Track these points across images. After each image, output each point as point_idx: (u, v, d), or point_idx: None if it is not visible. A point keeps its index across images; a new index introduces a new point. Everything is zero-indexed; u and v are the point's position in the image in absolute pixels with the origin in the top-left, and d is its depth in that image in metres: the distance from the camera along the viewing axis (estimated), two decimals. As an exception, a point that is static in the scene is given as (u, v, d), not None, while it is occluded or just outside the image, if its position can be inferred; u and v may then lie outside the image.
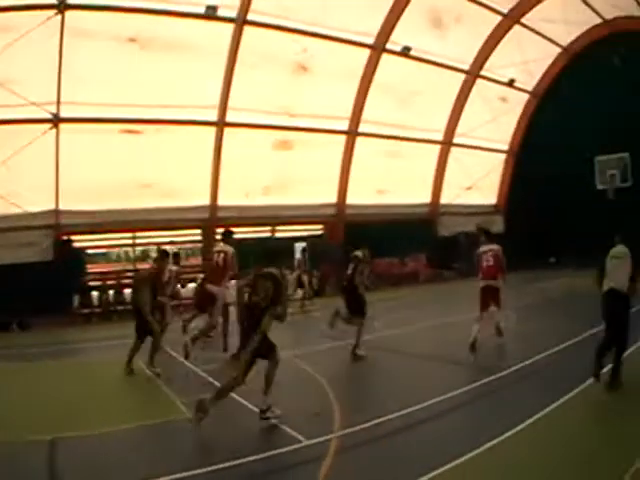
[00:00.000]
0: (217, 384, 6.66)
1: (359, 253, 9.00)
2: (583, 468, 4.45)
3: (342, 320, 8.69)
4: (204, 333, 8.74)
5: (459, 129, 23.80)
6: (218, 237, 10.44)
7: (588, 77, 23.72)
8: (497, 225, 26.23)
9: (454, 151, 24.26)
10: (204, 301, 8.95)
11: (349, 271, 8.64)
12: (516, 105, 26.02)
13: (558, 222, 23.22)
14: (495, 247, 9.01)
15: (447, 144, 23.87)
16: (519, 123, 26.96)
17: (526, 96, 26.36)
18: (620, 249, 6.39)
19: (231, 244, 8.71)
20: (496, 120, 24.60)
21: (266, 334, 5.61)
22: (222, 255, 8.69)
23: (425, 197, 24.19)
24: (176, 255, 10.74)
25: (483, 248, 9.08)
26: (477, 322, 8.47)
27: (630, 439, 4.87)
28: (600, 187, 22.92)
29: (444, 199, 24.47)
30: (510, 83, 24.76)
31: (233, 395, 6.07)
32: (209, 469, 4.73)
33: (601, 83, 23.00)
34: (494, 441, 4.96)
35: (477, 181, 25.53)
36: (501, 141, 26.73)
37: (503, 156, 27.38)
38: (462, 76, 22.88)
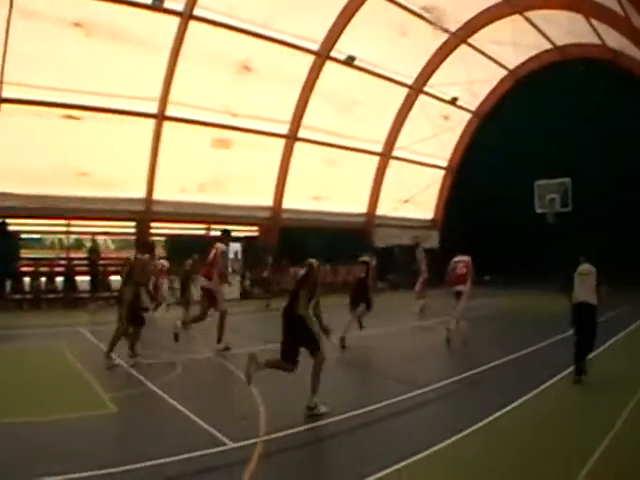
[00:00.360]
0: (144, 380, 7.98)
1: (367, 258, 11.95)
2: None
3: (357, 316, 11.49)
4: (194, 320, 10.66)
5: (399, 142, 27.88)
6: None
7: (533, 101, 28.20)
8: (432, 240, 30.33)
9: (393, 164, 28.33)
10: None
11: (362, 274, 11.49)
12: (458, 124, 30.60)
13: (495, 242, 26.94)
14: (466, 258, 12.00)
15: (386, 156, 27.83)
16: (460, 141, 31.62)
17: (468, 115, 31.02)
18: (586, 267, 8.39)
19: (225, 242, 10.87)
20: (437, 137, 28.92)
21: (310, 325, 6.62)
22: (214, 251, 10.74)
23: (361, 207, 27.99)
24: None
25: (456, 259, 12.11)
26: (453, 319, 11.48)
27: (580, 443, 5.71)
28: (539, 211, 26.95)
29: (380, 210, 28.39)
30: (453, 101, 29.14)
31: (166, 397, 7.18)
32: (124, 468, 5.08)
33: (545, 108, 27.49)
34: (423, 453, 5.50)
35: (414, 195, 29.66)
36: (441, 158, 31.27)
37: (442, 172, 31.95)
38: (405, 90, 26.95)
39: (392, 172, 28.26)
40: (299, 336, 6.64)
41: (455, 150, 31.76)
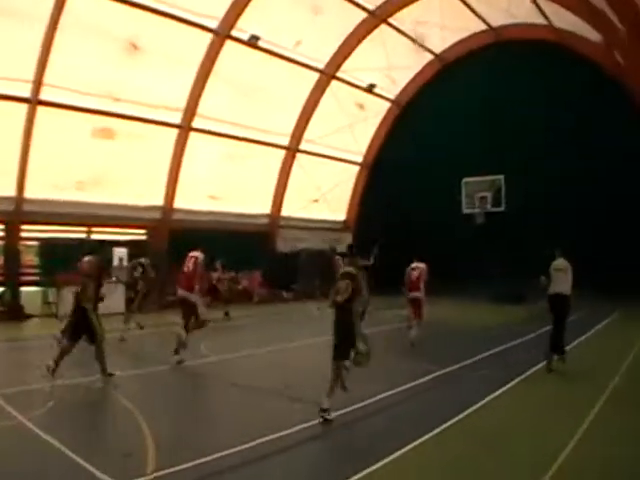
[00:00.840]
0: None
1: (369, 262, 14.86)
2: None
3: None
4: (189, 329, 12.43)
5: (308, 134, 30.59)
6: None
7: (462, 89, 31.32)
8: (345, 244, 32.30)
9: (301, 158, 31.05)
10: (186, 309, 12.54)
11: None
12: (375, 114, 33.72)
13: (416, 246, 29.09)
14: (422, 265, 14.90)
15: (293, 150, 30.49)
16: (377, 134, 34.78)
17: (387, 104, 34.10)
18: (561, 262, 11.65)
19: (202, 251, 12.56)
20: (351, 128, 31.87)
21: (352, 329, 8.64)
22: (192, 260, 12.47)
23: (264, 207, 30.51)
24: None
25: (412, 265, 15.04)
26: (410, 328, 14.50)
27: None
28: (466, 211, 29.77)
29: (286, 211, 31.07)
30: (370, 88, 31.97)
31: (41, 434, 7.75)
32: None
33: (477, 96, 30.55)
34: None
35: (325, 194, 32.52)
36: (355, 152, 34.29)
37: (356, 169, 35.06)
38: (316, 75, 29.60)
39: (300, 168, 30.92)
40: (347, 341, 8.69)
41: (371, 144, 34.85)
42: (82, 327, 10.59)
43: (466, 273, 27.40)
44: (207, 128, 26.20)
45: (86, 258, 11.23)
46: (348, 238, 33.61)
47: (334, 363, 8.68)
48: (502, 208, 28.46)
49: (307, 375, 11.31)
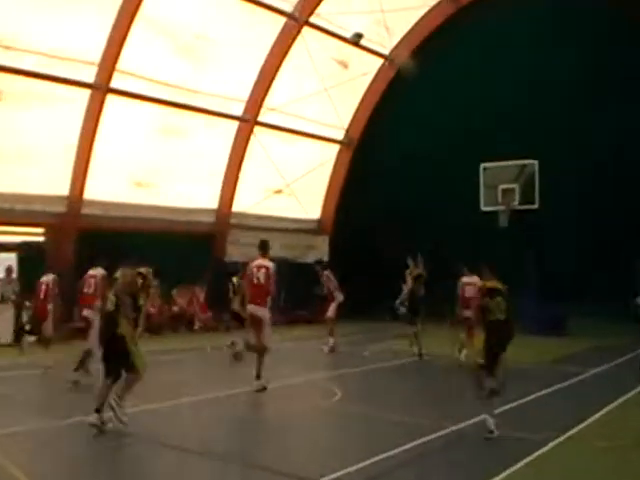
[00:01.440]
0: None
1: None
2: None
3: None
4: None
5: (270, 101, 29.84)
6: None
7: (482, 40, 30.71)
8: (319, 250, 31.86)
9: (260, 134, 30.24)
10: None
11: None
12: (363, 75, 32.93)
13: (416, 254, 28.57)
14: (475, 279, 15.75)
15: (250, 122, 29.64)
16: (365, 102, 34.11)
17: (379, 62, 33.52)
18: None
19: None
20: (330, 94, 31.10)
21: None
22: (263, 270, 14.54)
23: (210, 200, 29.74)
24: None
25: (465, 279, 17.68)
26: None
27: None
28: (486, 209, 28.85)
29: (239, 206, 30.31)
30: (356, 40, 31.17)
31: None
32: None
33: (500, 53, 29.95)
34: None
35: (293, 183, 31.81)
36: (335, 126, 33.63)
37: (336, 149, 34.42)
38: (282, 21, 28.88)
39: (259, 147, 30.19)
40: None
41: (357, 115, 34.24)
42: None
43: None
44: (131, 90, 25.36)
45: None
46: (323, 243, 32.86)
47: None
48: (535, 205, 27.48)
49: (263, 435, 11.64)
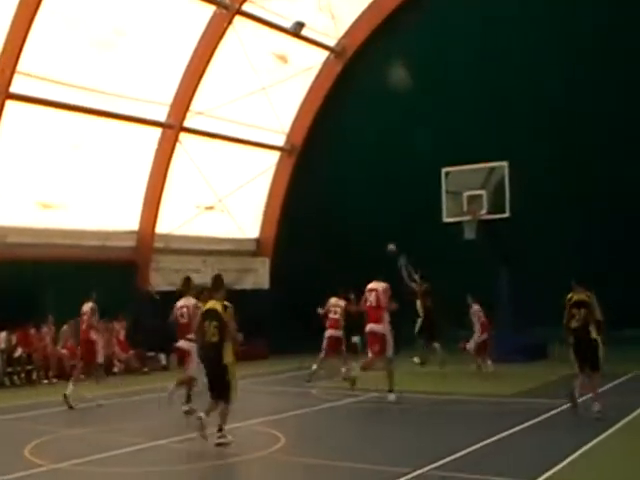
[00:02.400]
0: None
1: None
2: None
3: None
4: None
5: (198, 104, 29.73)
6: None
7: (442, 29, 31.01)
8: (258, 275, 31.49)
9: (187, 141, 30.03)
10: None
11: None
12: (305, 70, 33.08)
13: (368, 273, 28.44)
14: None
15: (174, 128, 29.38)
16: (308, 101, 34.17)
17: (324, 55, 33.61)
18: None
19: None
20: (268, 94, 31.20)
21: None
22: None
23: (130, 221, 29.38)
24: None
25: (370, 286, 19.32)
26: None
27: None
28: (449, 219, 28.79)
29: (165, 226, 30.04)
30: (296, 30, 31.27)
31: None
32: None
33: (466, 40, 30.26)
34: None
35: (227, 197, 31.70)
36: (274, 130, 33.70)
37: (276, 156, 34.45)
38: (210, 10, 28.78)
39: (186, 156, 30.03)
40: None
41: (299, 117, 34.34)
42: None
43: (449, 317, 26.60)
44: (31, 94, 24.87)
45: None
46: (262, 266, 32.56)
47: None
48: (506, 214, 27.37)
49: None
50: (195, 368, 16.91)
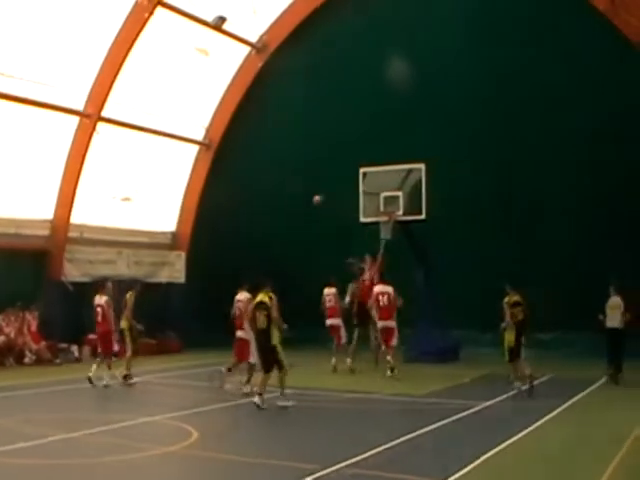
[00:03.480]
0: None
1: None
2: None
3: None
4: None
5: (117, 94, 29.32)
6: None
7: (362, 23, 31.18)
8: (174, 269, 31.44)
9: (105, 132, 29.64)
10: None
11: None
12: (226, 63, 33.13)
13: (285, 274, 28.37)
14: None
15: (92, 118, 29.00)
16: (228, 96, 34.16)
17: (245, 50, 33.72)
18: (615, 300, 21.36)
19: None
20: (188, 87, 31.27)
21: None
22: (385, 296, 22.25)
23: (44, 210, 28.93)
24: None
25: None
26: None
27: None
28: (365, 220, 28.70)
29: (79, 216, 29.58)
30: (218, 24, 31.26)
31: None
32: None
33: (386, 35, 30.37)
34: None
35: (144, 189, 31.55)
36: (194, 124, 33.71)
37: (195, 150, 34.49)
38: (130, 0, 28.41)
39: (103, 147, 29.65)
40: None
41: (219, 111, 34.30)
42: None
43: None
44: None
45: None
46: (178, 260, 32.47)
47: None
48: (422, 216, 27.30)
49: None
50: (255, 354, 18.90)
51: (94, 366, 20.95)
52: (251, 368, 19.37)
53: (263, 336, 17.23)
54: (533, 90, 28.29)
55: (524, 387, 19.10)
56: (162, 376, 23.29)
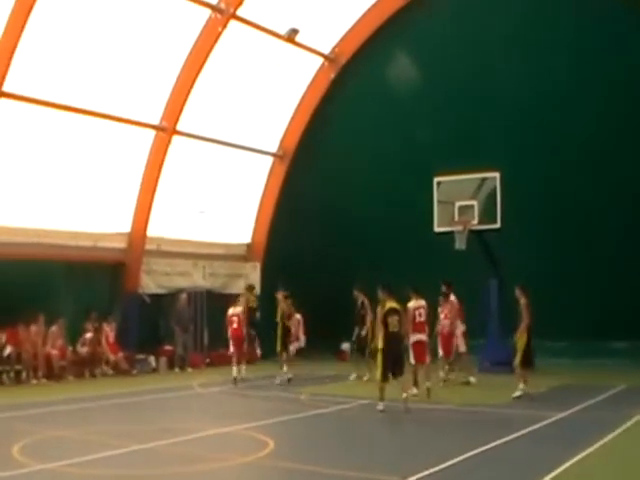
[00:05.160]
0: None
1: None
2: None
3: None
4: None
5: (192, 107, 29.61)
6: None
7: (439, 34, 31.17)
8: (249, 280, 32.71)
9: (179, 145, 30.01)
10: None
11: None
12: (299, 75, 33.31)
13: (353, 281, 28.44)
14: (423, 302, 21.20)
15: (167, 131, 29.42)
16: (301, 108, 34.32)
17: (318, 62, 33.79)
18: None
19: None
20: (261, 99, 31.41)
21: None
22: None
23: (122, 223, 29.32)
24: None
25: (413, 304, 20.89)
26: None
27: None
28: (440, 229, 28.54)
29: (156, 229, 29.98)
30: (290, 36, 31.42)
31: None
32: None
33: (461, 46, 30.51)
34: None
35: (219, 201, 31.87)
36: (267, 136, 33.82)
37: (269, 161, 34.65)
38: (206, 13, 28.71)
39: (178, 160, 30.02)
40: None
41: (292, 123, 34.34)
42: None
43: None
44: (26, 94, 24.73)
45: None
46: (254, 271, 32.63)
47: None
48: (497, 225, 27.27)
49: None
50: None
51: (234, 368, 23.69)
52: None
53: (397, 338, 18.33)
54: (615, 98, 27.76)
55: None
56: (241, 386, 23.42)
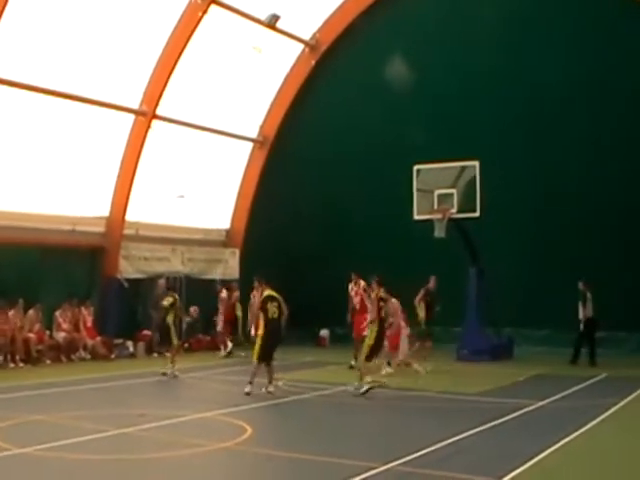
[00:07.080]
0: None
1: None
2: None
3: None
4: None
5: (172, 92, 29.46)
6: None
7: (415, 21, 31.28)
8: (228, 266, 31.62)
9: (159, 129, 29.87)
10: None
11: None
12: (279, 62, 33.24)
13: (337, 270, 28.37)
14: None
15: (147, 115, 29.23)
16: (282, 94, 34.29)
17: (298, 48, 33.83)
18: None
19: None
20: (241, 84, 31.35)
21: None
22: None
23: (100, 207, 29.19)
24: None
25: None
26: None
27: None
28: (419, 217, 28.43)
29: (135, 214, 29.83)
30: (271, 22, 31.31)
31: None
32: None
33: (439, 33, 30.66)
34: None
35: (198, 186, 31.75)
36: (248, 121, 33.82)
37: (249, 147, 34.57)
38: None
39: (157, 144, 29.87)
40: None
41: (272, 109, 34.34)
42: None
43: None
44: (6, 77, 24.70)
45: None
46: (232, 257, 32.56)
47: None
48: (476, 213, 27.12)
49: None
50: None
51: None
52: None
53: (276, 326, 18.48)
54: (596, 90, 27.86)
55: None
56: (214, 372, 23.46)
